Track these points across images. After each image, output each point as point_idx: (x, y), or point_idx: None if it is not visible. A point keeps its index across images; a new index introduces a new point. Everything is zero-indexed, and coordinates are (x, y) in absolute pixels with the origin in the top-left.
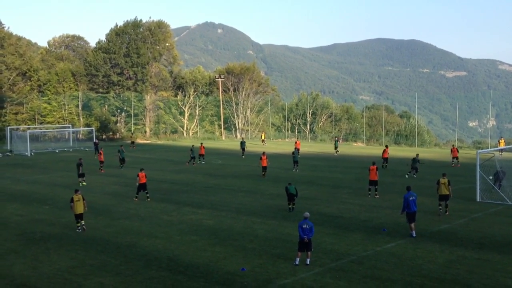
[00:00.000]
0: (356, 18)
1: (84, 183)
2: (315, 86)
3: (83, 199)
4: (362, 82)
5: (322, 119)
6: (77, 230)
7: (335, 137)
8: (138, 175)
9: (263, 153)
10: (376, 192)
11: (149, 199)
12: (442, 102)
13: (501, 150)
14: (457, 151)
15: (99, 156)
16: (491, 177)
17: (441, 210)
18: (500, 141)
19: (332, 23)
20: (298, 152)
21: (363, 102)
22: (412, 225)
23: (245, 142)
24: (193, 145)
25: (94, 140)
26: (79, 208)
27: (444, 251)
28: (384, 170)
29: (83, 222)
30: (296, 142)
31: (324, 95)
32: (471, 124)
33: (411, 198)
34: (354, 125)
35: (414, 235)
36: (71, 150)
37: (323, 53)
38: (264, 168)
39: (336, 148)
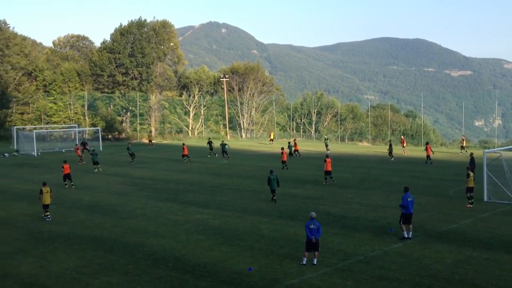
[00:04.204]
0: (361, 17)
1: (96, 170)
2: (319, 85)
3: (51, 192)
4: (367, 82)
5: (327, 119)
6: (47, 219)
7: (325, 136)
8: (63, 167)
9: (282, 148)
10: (333, 180)
11: (73, 187)
12: (448, 101)
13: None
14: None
15: (77, 151)
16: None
17: (470, 201)
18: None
19: (337, 22)
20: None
21: (368, 101)
22: (408, 226)
23: (212, 142)
24: (223, 141)
25: (82, 140)
26: (47, 199)
27: (452, 251)
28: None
29: (48, 213)
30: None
31: (329, 95)
32: (477, 124)
33: (409, 199)
34: (360, 125)
35: (406, 235)
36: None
37: (328, 53)
38: (284, 162)
39: (327, 146)
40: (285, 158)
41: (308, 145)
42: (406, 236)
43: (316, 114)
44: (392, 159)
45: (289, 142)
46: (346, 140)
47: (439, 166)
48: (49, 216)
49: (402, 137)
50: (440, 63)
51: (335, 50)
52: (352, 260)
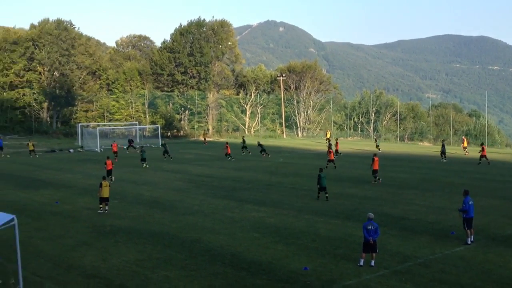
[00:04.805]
0: (423, 14)
1: (144, 166)
2: (378, 84)
3: (109, 186)
4: (429, 80)
5: (386, 118)
6: (99, 211)
7: (375, 135)
8: (106, 163)
9: (329, 146)
10: (379, 179)
11: (112, 181)
12: None
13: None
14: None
15: (113, 147)
16: None
17: None
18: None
19: (398, 19)
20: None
21: (429, 100)
22: (470, 231)
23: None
24: (258, 142)
25: (129, 137)
26: (105, 192)
27: None
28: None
29: (107, 207)
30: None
31: (388, 93)
32: None
33: (470, 203)
34: (420, 124)
35: (469, 242)
36: (137, 146)
37: (387, 50)
38: (331, 161)
39: (378, 146)
40: (332, 157)
41: (365, 145)
42: (469, 242)
43: (375, 113)
44: (445, 160)
45: (328, 140)
46: (406, 140)
47: (503, 168)
48: (101, 209)
49: (464, 137)
50: (505, 61)
51: (395, 48)
52: (411, 263)
